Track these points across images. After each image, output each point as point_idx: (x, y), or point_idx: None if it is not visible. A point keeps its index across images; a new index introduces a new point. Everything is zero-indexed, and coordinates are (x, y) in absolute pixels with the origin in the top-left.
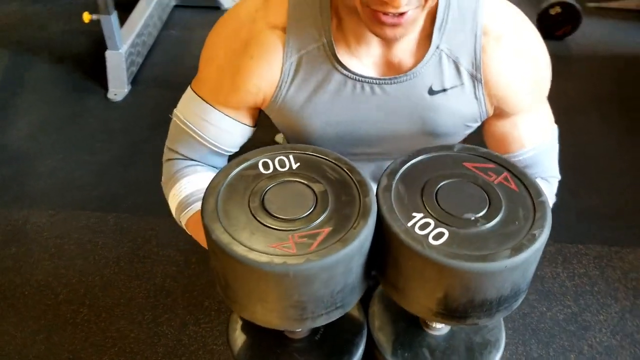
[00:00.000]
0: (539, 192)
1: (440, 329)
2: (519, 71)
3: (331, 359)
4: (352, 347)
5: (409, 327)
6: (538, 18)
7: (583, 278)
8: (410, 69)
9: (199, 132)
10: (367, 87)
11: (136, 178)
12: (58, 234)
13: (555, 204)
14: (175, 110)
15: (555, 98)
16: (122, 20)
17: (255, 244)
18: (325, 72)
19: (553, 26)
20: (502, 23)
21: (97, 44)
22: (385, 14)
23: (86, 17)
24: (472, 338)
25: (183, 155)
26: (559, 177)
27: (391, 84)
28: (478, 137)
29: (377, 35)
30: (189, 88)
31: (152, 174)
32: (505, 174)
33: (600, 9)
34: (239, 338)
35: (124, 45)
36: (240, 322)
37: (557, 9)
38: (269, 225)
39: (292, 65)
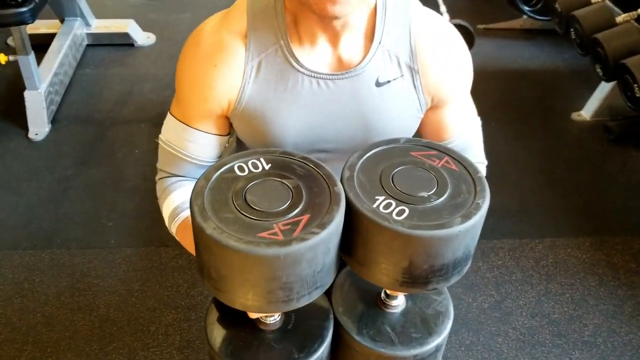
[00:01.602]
0: (476, 170)
1: (397, 306)
2: (449, 61)
3: (305, 343)
4: (322, 331)
5: (370, 308)
6: None
7: (501, 269)
8: (358, 64)
9: (181, 151)
10: (322, 83)
11: (68, 213)
12: None
13: None
14: (160, 135)
15: None
16: (37, 61)
17: (246, 235)
18: (284, 71)
19: None
20: (429, 21)
21: (11, 86)
22: None
23: (2, 58)
24: (425, 311)
25: (170, 173)
26: (486, 162)
27: (343, 78)
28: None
29: (322, 14)
30: (168, 113)
31: (83, 208)
32: (446, 158)
33: (489, 29)
34: (217, 335)
35: (42, 85)
36: (217, 321)
37: None
38: (255, 218)
39: (253, 68)
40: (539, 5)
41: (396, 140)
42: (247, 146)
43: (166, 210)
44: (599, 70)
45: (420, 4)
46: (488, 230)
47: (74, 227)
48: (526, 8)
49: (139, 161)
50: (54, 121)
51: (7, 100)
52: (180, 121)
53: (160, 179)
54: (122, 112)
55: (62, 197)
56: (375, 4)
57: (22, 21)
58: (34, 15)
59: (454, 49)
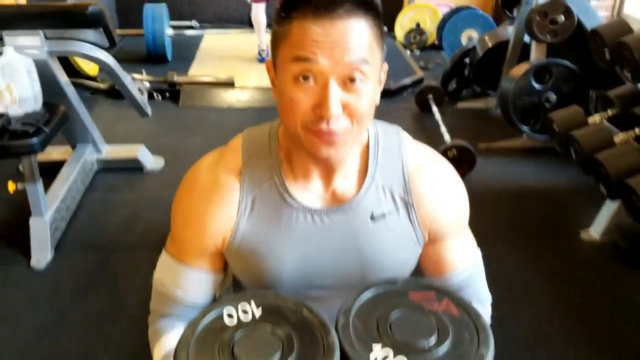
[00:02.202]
0: (478, 315)
1: None
2: (443, 195)
3: None
4: None
5: None
6: None
7: None
8: (352, 198)
9: (174, 291)
10: (316, 218)
11: (63, 347)
12: None
13: None
14: (154, 274)
15: None
16: (45, 187)
17: None
18: (278, 207)
19: None
20: (421, 155)
21: (17, 212)
22: (322, 132)
23: (11, 187)
24: None
25: (163, 314)
26: (490, 298)
27: (337, 213)
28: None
29: (316, 155)
30: (163, 250)
31: (80, 341)
32: (446, 300)
33: (490, 148)
34: None
35: (48, 212)
36: None
37: (454, 152)
38: None
39: (247, 203)
40: (537, 126)
41: (393, 282)
42: (242, 283)
43: (157, 355)
44: (603, 189)
45: (411, 138)
46: None
47: None
48: (525, 128)
49: (141, 289)
50: (57, 247)
51: (11, 226)
52: (175, 259)
53: (152, 320)
54: (126, 237)
55: (59, 328)
56: (368, 139)
57: (32, 151)
58: (43, 145)
59: (448, 182)
